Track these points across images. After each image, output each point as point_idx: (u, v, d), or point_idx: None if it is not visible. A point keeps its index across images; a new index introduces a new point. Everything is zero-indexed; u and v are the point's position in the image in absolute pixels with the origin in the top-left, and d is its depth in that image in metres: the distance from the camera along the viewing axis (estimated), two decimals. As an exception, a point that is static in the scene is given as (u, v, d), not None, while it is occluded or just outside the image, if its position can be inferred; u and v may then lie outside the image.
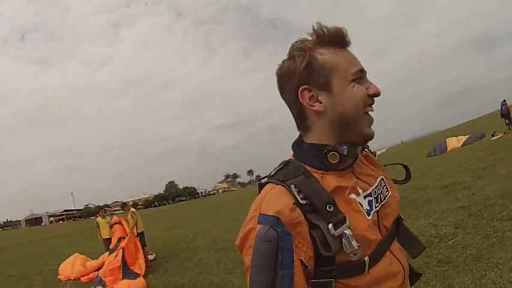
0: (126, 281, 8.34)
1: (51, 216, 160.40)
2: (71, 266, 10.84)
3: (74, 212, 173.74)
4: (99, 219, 12.83)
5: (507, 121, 24.14)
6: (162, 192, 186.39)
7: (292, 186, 1.02)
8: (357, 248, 0.97)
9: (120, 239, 10.02)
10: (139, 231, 10.77)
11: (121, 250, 9.17)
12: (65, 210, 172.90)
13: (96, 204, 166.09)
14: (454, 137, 26.72)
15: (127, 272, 8.69)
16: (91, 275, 9.91)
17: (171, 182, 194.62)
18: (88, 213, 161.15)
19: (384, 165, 1.33)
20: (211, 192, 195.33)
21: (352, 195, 1.09)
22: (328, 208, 0.99)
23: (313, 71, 1.09)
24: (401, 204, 5.63)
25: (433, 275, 4.66)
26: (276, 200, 1.01)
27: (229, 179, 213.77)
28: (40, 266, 14.65)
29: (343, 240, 0.97)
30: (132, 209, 11.35)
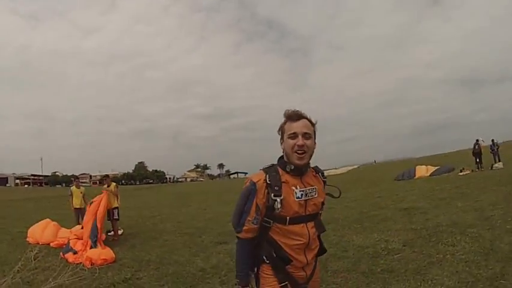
0: (97, 249, 8.56)
1: (17, 179, 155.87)
2: (41, 231, 10.94)
3: (40, 177, 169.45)
4: (73, 188, 13.07)
5: (477, 160, 25.02)
6: (131, 171, 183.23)
7: (267, 175, 2.36)
8: (279, 207, 2.28)
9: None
10: (117, 205, 11.11)
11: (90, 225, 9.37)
12: (32, 175, 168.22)
13: (64, 173, 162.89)
14: (423, 166, 27.56)
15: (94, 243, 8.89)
16: (60, 241, 10.07)
17: (141, 163, 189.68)
18: (55, 180, 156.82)
19: (328, 184, 2.66)
20: (180, 180, 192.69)
21: (293, 187, 2.37)
22: (275, 188, 2.31)
23: (281, 132, 2.49)
24: (360, 218, 6.82)
25: (375, 279, 5.23)
26: (258, 176, 2.39)
27: (199, 169, 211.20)
28: (7, 226, 14.61)
29: (275, 202, 2.29)
30: (114, 183, 11.59)
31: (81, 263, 7.76)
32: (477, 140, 26.00)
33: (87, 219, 9.69)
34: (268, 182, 2.35)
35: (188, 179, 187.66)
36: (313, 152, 2.47)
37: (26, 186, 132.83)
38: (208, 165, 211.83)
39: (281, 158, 2.51)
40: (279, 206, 2.29)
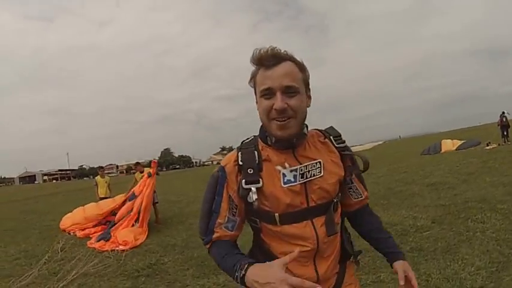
0: (126, 229, 8.84)
1: (45, 175, 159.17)
2: (82, 214, 10.97)
3: (68, 172, 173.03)
4: (98, 178, 13.15)
5: (505, 133, 24.37)
6: (157, 158, 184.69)
7: (240, 153, 1.59)
8: (253, 200, 1.48)
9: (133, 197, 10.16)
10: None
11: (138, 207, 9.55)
12: (59, 170, 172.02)
13: (90, 166, 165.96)
14: (449, 140, 26.96)
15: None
16: (87, 231, 10.09)
17: (167, 149, 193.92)
18: (82, 173, 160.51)
19: (351, 153, 1.71)
20: (206, 163, 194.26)
21: (278, 167, 1.55)
22: (248, 171, 1.52)
23: (253, 85, 1.59)
24: (387, 194, 6.10)
25: (403, 258, 5.04)
26: (228, 158, 1.63)
27: (225, 152, 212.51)
28: (36, 221, 14.63)
29: (250, 192, 1.49)
30: (148, 169, 11.57)
31: (107, 250, 7.86)
32: (503, 112, 25.26)
33: (139, 202, 9.76)
34: (240, 162, 1.56)
35: (214, 162, 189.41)
36: (305, 115, 1.57)
37: (54, 181, 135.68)
38: (233, 147, 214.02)
39: (262, 126, 1.65)
40: (254, 198, 1.48)
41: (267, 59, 1.48)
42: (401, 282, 1.60)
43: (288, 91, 1.46)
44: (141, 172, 11.27)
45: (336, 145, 1.68)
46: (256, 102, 1.60)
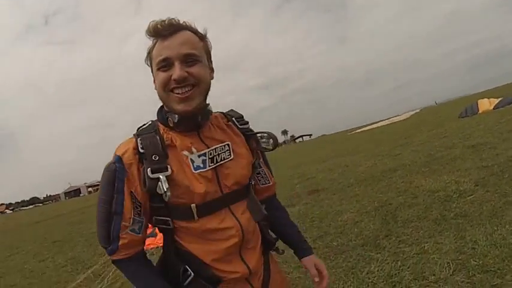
0: None
1: (89, 187, 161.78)
2: None
3: None
4: None
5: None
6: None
7: (139, 139, 1.35)
8: (165, 190, 1.26)
9: None
10: None
11: None
12: None
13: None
14: (486, 99, 25.85)
15: None
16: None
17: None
18: None
19: (256, 133, 1.58)
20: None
21: (185, 152, 1.37)
22: (153, 158, 1.30)
23: (150, 61, 1.43)
24: (428, 161, 5.73)
25: (448, 226, 4.71)
26: (124, 146, 1.37)
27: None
28: (82, 230, 14.78)
29: (159, 183, 1.27)
30: None
31: (153, 248, 7.82)
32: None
33: None
34: (141, 150, 1.33)
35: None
36: (209, 86, 1.42)
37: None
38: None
39: (161, 108, 1.48)
40: (164, 187, 1.26)
41: (163, 29, 1.34)
42: (317, 279, 1.63)
43: (188, 60, 1.34)
44: None
45: (240, 126, 1.58)
46: (154, 81, 1.42)
